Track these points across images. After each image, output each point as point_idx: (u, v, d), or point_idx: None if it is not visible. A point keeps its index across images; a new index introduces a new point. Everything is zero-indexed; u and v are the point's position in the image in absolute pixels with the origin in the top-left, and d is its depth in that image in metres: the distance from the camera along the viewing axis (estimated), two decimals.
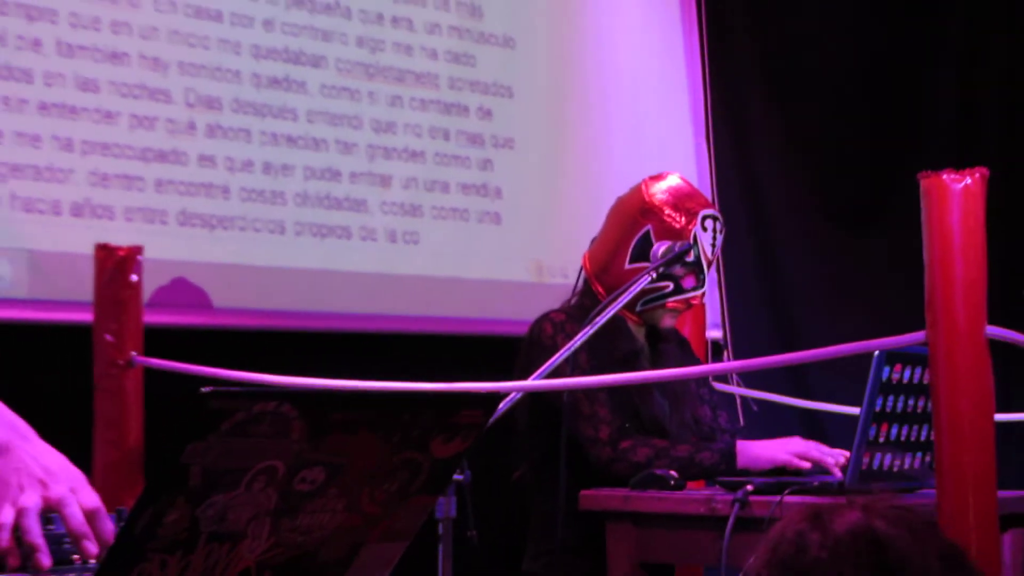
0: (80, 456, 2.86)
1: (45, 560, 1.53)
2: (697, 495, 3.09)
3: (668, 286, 3.36)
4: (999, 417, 2.56)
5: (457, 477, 2.68)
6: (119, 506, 1.70)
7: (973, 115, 6.41)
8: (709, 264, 3.43)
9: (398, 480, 1.56)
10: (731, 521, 2.89)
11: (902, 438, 3.07)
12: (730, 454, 3.22)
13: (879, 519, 1.38)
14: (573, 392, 3.19)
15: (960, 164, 2.74)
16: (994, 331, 2.48)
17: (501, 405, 2.65)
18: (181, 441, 1.36)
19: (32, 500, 1.56)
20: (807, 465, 3.15)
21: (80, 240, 3.35)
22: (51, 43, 3.72)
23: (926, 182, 2.48)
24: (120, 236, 3.47)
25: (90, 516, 1.57)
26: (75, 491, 1.59)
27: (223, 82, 4.09)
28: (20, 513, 1.55)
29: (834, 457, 3.20)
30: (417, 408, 1.63)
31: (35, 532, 1.53)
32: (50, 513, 1.59)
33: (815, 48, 5.92)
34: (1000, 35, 6.71)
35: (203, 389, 1.37)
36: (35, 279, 3.66)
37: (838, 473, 3.13)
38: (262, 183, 4.15)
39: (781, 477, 3.13)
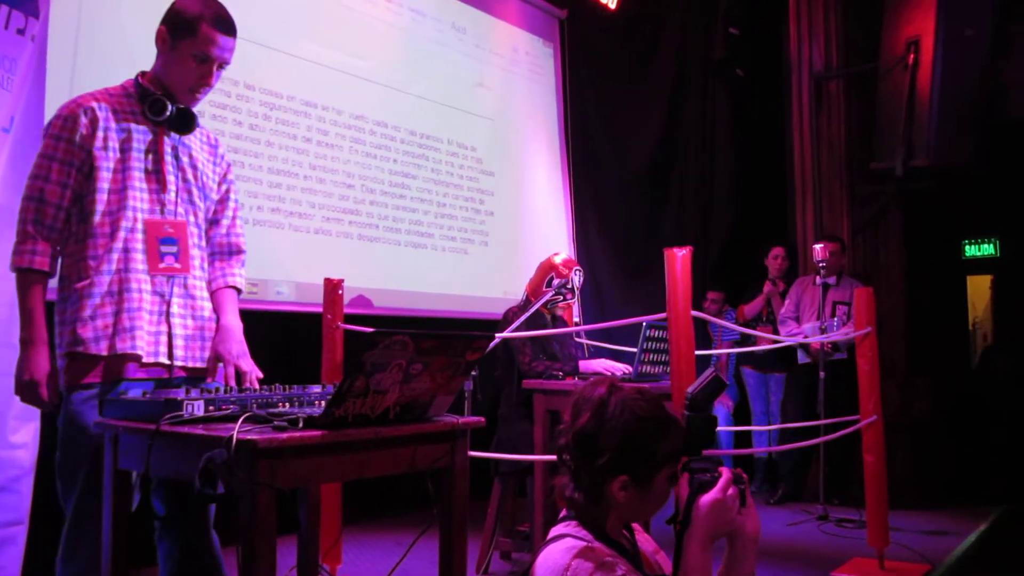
0: (316, 363, 2.77)
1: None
2: (570, 382, 3.05)
3: (559, 298, 3.32)
4: (697, 352, 2.53)
5: (473, 373, 2.64)
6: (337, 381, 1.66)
7: (690, 204, 5.97)
8: (576, 290, 3.40)
9: (451, 370, 1.53)
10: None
11: (656, 360, 3.04)
12: (577, 367, 3.18)
13: (630, 394, 1.36)
14: (518, 340, 3.15)
15: (682, 239, 2.72)
16: (695, 313, 2.47)
17: (490, 345, 2.60)
18: (363, 352, 1.33)
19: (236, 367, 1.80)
20: (608, 373, 3.10)
21: (318, 276, 3.28)
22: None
23: (667, 251, 2.46)
24: (334, 273, 3.42)
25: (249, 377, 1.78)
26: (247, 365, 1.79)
27: (376, 183, 4.02)
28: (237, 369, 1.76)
29: (620, 369, 3.17)
30: (459, 342, 1.59)
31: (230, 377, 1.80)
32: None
33: (623, 172, 5.51)
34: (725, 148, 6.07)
35: (370, 330, 1.33)
36: (299, 293, 3.59)
37: (621, 374, 3.10)
38: (392, 225, 4.07)
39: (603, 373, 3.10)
